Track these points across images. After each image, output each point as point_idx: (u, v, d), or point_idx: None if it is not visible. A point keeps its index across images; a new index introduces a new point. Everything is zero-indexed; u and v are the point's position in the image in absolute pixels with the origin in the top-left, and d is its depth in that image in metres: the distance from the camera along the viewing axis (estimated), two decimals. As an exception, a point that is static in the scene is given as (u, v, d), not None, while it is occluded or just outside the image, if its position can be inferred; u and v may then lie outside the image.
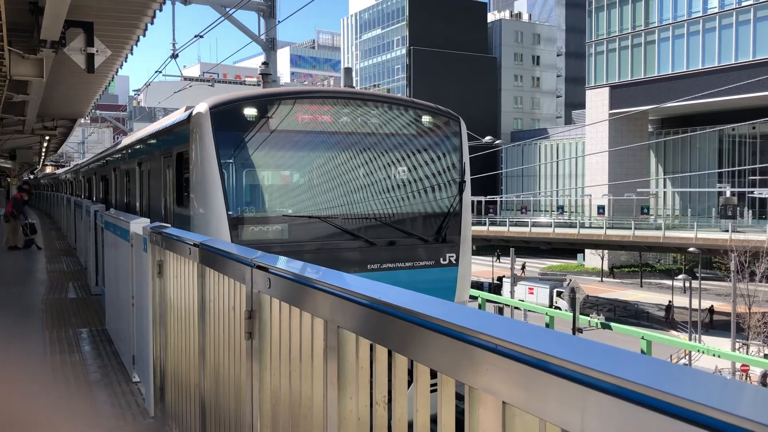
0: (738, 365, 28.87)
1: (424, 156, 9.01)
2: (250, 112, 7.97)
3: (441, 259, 8.83)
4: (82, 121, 35.50)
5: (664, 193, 61.86)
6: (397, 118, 8.88)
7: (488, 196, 59.39)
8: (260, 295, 2.83)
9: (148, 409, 5.47)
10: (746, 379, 28.65)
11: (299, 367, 2.45)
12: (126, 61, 15.99)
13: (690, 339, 34.28)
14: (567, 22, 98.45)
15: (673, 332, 38.57)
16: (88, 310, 10.43)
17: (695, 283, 37.58)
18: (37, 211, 39.61)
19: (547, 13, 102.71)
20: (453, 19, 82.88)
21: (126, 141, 14.90)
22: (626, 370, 1.14)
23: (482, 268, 53.32)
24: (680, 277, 40.95)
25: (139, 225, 5.82)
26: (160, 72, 23.70)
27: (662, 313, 44.07)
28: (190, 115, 8.18)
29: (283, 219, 8.02)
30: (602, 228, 49.09)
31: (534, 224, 53.59)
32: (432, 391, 1.74)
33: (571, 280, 33.50)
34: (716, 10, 51.66)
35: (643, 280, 55.64)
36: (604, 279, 57.00)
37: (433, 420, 1.74)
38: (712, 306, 41.42)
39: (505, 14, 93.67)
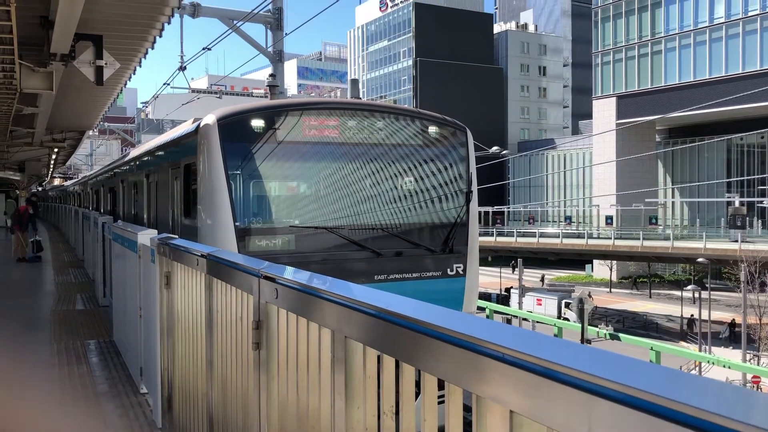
0: (749, 376, 28.61)
1: (430, 166, 9.01)
2: (257, 123, 8.00)
3: (448, 269, 8.81)
4: (91, 133, 35.70)
5: (673, 203, 61.62)
6: (403, 128, 8.89)
7: (495, 207, 59.32)
8: (267, 305, 2.83)
9: (155, 420, 5.46)
10: (758, 390, 28.39)
11: (306, 378, 2.44)
12: (134, 74, 16.08)
13: (700, 350, 34.03)
14: (573, 32, 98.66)
15: (683, 343, 38.28)
16: (96, 321, 10.45)
17: (705, 294, 37.35)
18: (46, 224, 39.83)
19: (554, 24, 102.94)
20: (459, 31, 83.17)
21: (134, 153, 14.98)
22: (635, 379, 1.13)
23: (491, 279, 53.20)
24: (689, 287, 40.69)
25: (146, 236, 5.84)
26: (168, 84, 23.84)
27: (671, 324, 43.77)
28: (197, 126, 8.22)
29: (290, 230, 8.03)
30: (610, 238, 48.88)
31: (542, 235, 53.43)
32: (439, 403, 1.73)
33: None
34: (723, 20, 51.65)
35: (652, 291, 55.34)
36: (612, 290, 56.74)
37: (441, 431, 1.73)
38: (733, 320, 40.40)
39: (512, 25, 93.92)
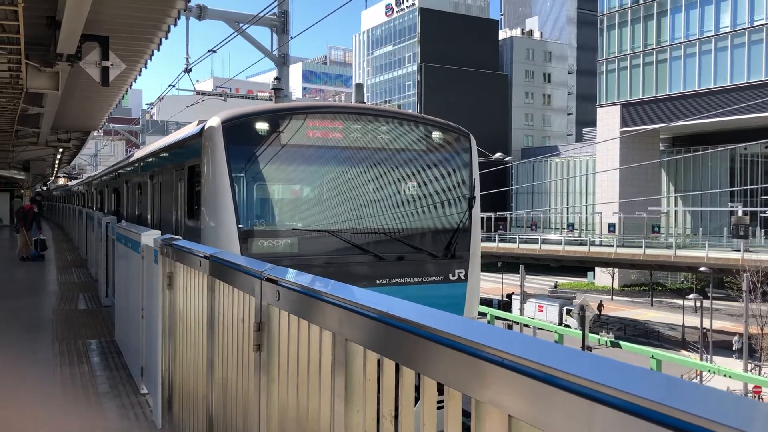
0: (750, 386, 28.52)
1: (434, 172, 9.02)
2: (261, 126, 8.02)
3: (450, 274, 8.81)
4: (96, 133, 35.86)
5: (675, 211, 61.53)
6: (407, 133, 8.90)
7: (498, 213, 59.26)
8: (269, 307, 2.84)
9: (155, 421, 5.46)
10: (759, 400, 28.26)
11: (307, 380, 2.45)
12: (140, 75, 16.15)
13: (701, 359, 33.93)
14: (578, 40, 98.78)
15: (684, 352, 38.18)
16: (98, 321, 10.47)
17: (707, 303, 37.25)
18: (50, 223, 39.90)
19: (559, 31, 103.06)
20: (464, 36, 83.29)
21: (138, 154, 15.02)
22: (634, 385, 1.13)
23: (493, 284, 53.13)
24: (691, 296, 40.60)
25: (150, 237, 5.85)
26: (174, 86, 23.92)
27: (672, 333, 43.65)
28: (202, 128, 8.24)
29: (292, 233, 8.04)
30: (613, 246, 48.79)
31: (544, 241, 53.36)
32: (438, 408, 1.74)
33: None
34: (728, 30, 51.64)
35: (654, 299, 55.23)
36: (614, 297, 56.64)
37: None
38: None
39: (517, 32, 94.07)
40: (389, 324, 1.86)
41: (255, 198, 8.18)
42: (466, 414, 1.58)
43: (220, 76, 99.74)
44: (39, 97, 14.94)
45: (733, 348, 38.19)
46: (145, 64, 14.71)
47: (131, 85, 18.10)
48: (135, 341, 6.69)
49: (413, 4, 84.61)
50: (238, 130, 7.99)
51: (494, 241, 53.94)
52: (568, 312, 40.84)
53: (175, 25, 11.89)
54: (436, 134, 9.09)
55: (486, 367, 1.43)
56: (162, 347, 5.22)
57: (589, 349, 26.57)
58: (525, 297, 43.84)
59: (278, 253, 7.76)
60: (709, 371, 26.97)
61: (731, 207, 50.01)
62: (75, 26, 9.54)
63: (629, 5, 59.38)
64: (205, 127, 8.12)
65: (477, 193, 9.24)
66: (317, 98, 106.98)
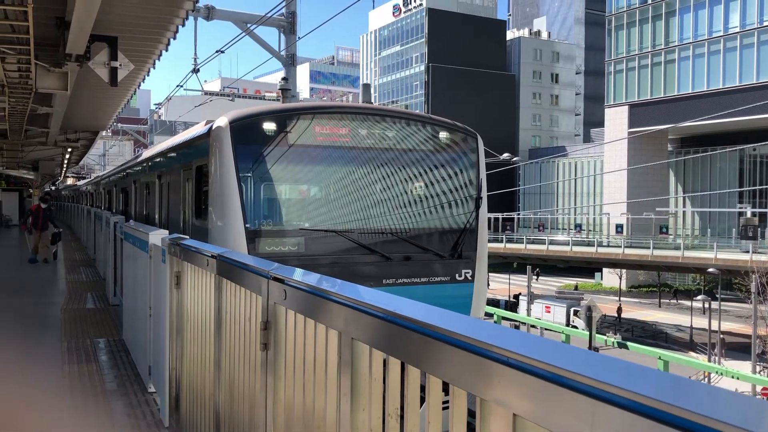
0: (759, 388, 28.36)
1: (441, 172, 9.02)
2: (269, 126, 8.04)
3: (457, 275, 8.81)
4: (104, 133, 36.02)
5: (684, 212, 61.25)
6: (414, 133, 8.90)
7: (505, 213, 59.13)
8: (276, 306, 2.85)
9: (162, 419, 5.48)
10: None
11: (313, 378, 2.45)
12: (148, 75, 16.20)
13: (710, 361, 33.76)
14: (586, 40, 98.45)
15: (692, 353, 38.01)
16: (106, 320, 10.52)
17: (715, 305, 37.06)
18: (58, 223, 40.03)
19: (567, 32, 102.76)
20: (472, 37, 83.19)
21: (146, 154, 15.07)
22: (640, 385, 1.13)
23: (500, 285, 53.06)
24: (699, 297, 40.39)
25: (157, 236, 5.87)
26: (182, 86, 24.03)
27: (680, 334, 43.45)
28: (210, 128, 8.27)
29: (300, 232, 8.06)
30: (620, 247, 48.60)
31: (551, 242, 53.19)
32: (444, 408, 1.74)
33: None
34: (737, 30, 51.38)
35: (662, 301, 55.01)
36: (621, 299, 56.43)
37: None
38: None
39: (525, 32, 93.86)
40: (396, 323, 1.86)
41: (262, 198, 8.20)
42: (470, 413, 1.58)
43: (227, 77, 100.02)
44: (48, 97, 15.02)
45: (758, 353, 37.46)
46: (154, 64, 14.76)
47: (139, 86, 18.17)
48: (142, 340, 6.72)
49: (421, 5, 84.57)
50: (245, 130, 8.01)
51: (501, 241, 53.84)
52: (576, 313, 40.73)
53: (183, 25, 11.93)
54: (443, 134, 9.09)
55: (492, 366, 1.44)
56: (169, 346, 5.24)
57: (596, 349, 26.49)
58: (532, 298, 43.75)
59: (285, 253, 7.78)
60: (717, 373, 26.84)
61: (740, 208, 49.73)
62: (84, 27, 9.58)
63: (637, 5, 59.14)
64: (213, 127, 8.15)
65: (484, 194, 9.23)
66: (324, 98, 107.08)
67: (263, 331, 2.92)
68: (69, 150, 28.66)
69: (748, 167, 57.75)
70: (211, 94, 26.71)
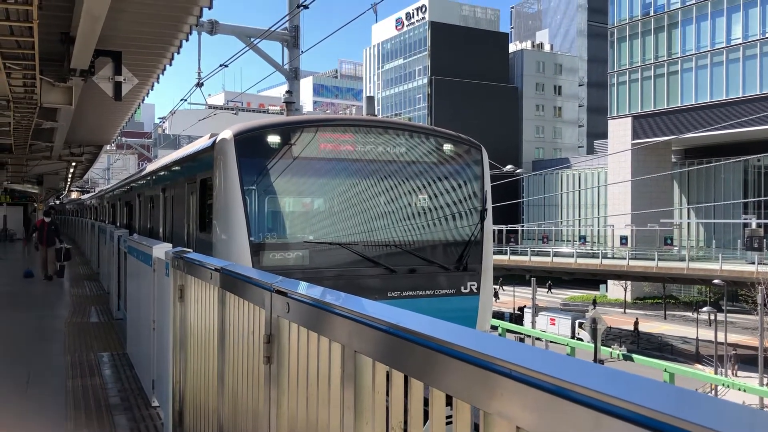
0: (766, 401, 28.13)
1: (445, 184, 9.02)
2: (273, 139, 8.06)
3: (462, 287, 8.78)
4: (108, 147, 36.13)
5: (688, 224, 61.07)
6: (418, 146, 8.91)
7: (509, 225, 59.06)
8: (279, 319, 2.84)
9: (166, 434, 5.46)
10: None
11: (316, 392, 2.44)
12: (152, 89, 16.30)
13: (717, 374, 33.53)
14: (589, 52, 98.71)
15: (699, 366, 37.76)
16: (110, 334, 10.51)
17: (721, 316, 36.85)
18: (62, 236, 40.09)
19: (569, 44, 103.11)
20: (475, 49, 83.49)
21: (150, 167, 15.11)
22: (645, 397, 1.12)
23: (504, 297, 52.87)
24: (705, 309, 40.18)
25: (161, 250, 5.88)
26: (186, 100, 24.09)
27: (686, 346, 43.19)
28: (214, 142, 8.29)
29: (304, 245, 8.06)
30: (625, 259, 48.47)
31: (556, 254, 53.08)
32: (447, 423, 1.73)
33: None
34: (740, 41, 51.47)
35: (667, 312, 54.74)
36: (626, 311, 56.19)
37: None
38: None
39: (527, 44, 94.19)
40: (399, 336, 1.86)
41: (266, 211, 8.20)
42: (474, 427, 1.57)
43: (231, 90, 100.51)
44: (53, 112, 15.10)
45: None
46: (158, 78, 14.84)
47: (143, 100, 18.27)
48: (146, 354, 6.70)
49: (423, 18, 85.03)
50: (249, 143, 8.03)
51: (506, 253, 53.74)
52: (581, 325, 40.54)
53: (187, 40, 12.00)
54: (447, 146, 9.10)
55: (495, 379, 1.43)
56: (173, 360, 5.23)
57: (602, 362, 26.33)
58: (537, 310, 43.58)
59: (289, 266, 7.77)
60: (724, 385, 26.64)
61: (745, 219, 49.57)
62: (88, 42, 9.65)
63: (639, 17, 59.33)
64: (217, 140, 8.17)
65: (489, 206, 9.22)
66: (328, 111, 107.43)
67: (266, 344, 2.91)
68: (73, 164, 28.76)
69: (752, 178, 57.63)
70: (215, 107, 26.79)
